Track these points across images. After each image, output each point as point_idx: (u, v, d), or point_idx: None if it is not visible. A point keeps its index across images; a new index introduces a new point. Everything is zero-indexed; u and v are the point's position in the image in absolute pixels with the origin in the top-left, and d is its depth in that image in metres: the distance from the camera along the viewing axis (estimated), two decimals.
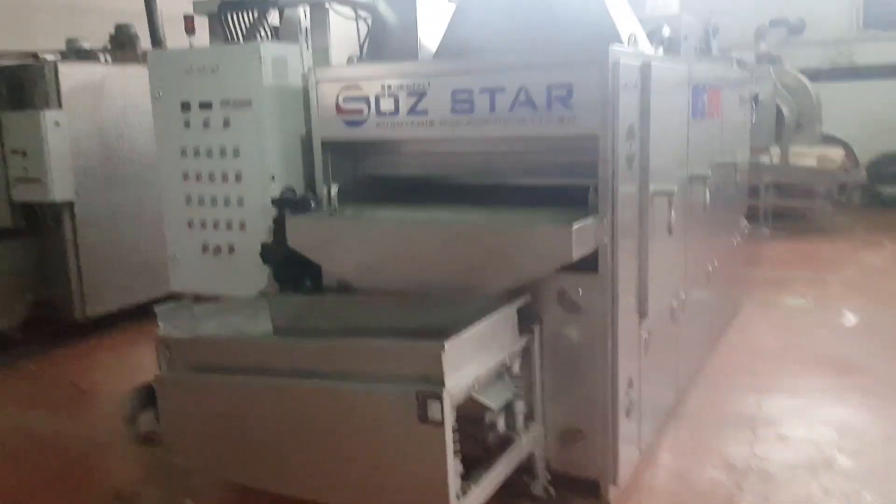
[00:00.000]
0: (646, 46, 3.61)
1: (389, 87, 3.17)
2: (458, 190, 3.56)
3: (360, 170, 3.58)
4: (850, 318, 5.51)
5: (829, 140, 9.64)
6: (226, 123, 3.61)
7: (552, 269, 2.81)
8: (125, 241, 5.79)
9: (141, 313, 6.02)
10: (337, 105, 3.30)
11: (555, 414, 3.12)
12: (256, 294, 3.55)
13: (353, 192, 3.53)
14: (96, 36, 6.28)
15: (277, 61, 3.54)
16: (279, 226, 3.45)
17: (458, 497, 2.49)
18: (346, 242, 3.13)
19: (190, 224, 3.82)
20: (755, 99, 5.44)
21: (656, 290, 3.34)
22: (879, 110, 9.99)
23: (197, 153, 3.72)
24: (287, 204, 3.42)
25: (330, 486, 2.64)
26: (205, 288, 3.85)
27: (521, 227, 2.88)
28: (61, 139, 5.24)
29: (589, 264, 2.90)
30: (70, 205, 5.39)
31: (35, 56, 5.60)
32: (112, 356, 5.41)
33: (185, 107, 3.71)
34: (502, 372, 2.84)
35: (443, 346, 2.40)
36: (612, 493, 3.13)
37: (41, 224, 5.48)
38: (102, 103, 5.56)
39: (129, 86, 5.73)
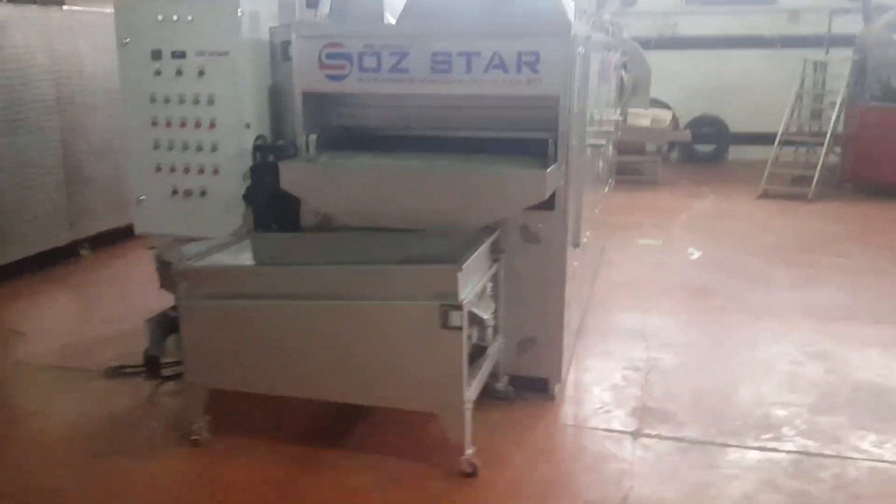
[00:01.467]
0: None
1: (372, 46, 3.59)
2: (417, 140, 4.05)
3: (330, 121, 3.95)
4: (694, 253, 6.63)
5: (655, 103, 10.96)
6: (200, 73, 3.86)
7: (526, 207, 3.42)
8: (28, 188, 5.70)
9: (43, 261, 5.97)
10: (319, 60, 3.66)
11: (512, 327, 3.76)
12: (233, 233, 3.86)
13: (323, 141, 3.90)
14: None
15: (252, 15, 3.83)
16: (260, 170, 3.79)
17: (467, 387, 3.08)
18: (340, 185, 3.55)
19: (158, 168, 4.03)
20: (625, 66, 6.30)
21: (584, 223, 4.07)
22: (696, 77, 11.46)
23: (168, 100, 3.93)
24: (272, 150, 3.76)
25: (359, 388, 3.14)
26: (173, 230, 4.08)
27: (504, 172, 3.46)
28: None
29: (545, 204, 3.53)
30: None
31: None
32: (31, 302, 5.38)
33: (156, 55, 3.89)
34: (483, 293, 3.44)
35: (460, 268, 2.96)
36: (557, 389, 3.85)
37: None
38: (4, 46, 5.38)
39: (29, 29, 5.58)
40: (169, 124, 3.95)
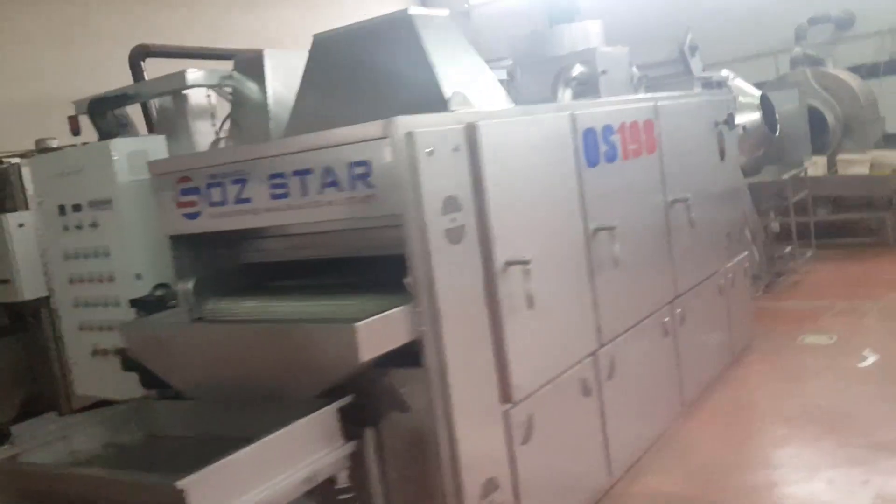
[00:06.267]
0: (495, 98, 3.23)
1: (216, 175, 2.99)
2: (320, 270, 3.32)
3: (224, 259, 3.38)
4: (868, 358, 4.78)
5: (893, 140, 8.71)
6: (93, 224, 3.55)
7: (343, 374, 2.50)
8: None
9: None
10: (175, 198, 3.14)
11: None
12: (133, 400, 3.41)
13: (220, 282, 3.33)
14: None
15: (135, 156, 3.44)
16: None
17: None
18: (168, 347, 2.96)
19: (81, 327, 3.76)
20: (729, 119, 4.88)
21: (531, 367, 2.96)
22: None
23: (76, 256, 3.68)
24: (140, 305, 3.29)
25: None
26: (100, 392, 3.78)
27: (308, 328, 2.61)
28: (26, 239, 5.35)
29: (409, 358, 2.58)
30: (47, 300, 5.48)
31: None
32: None
33: (62, 210, 3.68)
34: (314, 488, 2.54)
35: (181, 490, 2.13)
36: None
37: (26, 321, 5.59)
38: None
39: None
40: (81, 281, 3.69)
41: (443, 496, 2.64)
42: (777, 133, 7.05)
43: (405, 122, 2.52)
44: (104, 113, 3.65)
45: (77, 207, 3.59)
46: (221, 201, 2.99)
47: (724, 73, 7.01)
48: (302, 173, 2.74)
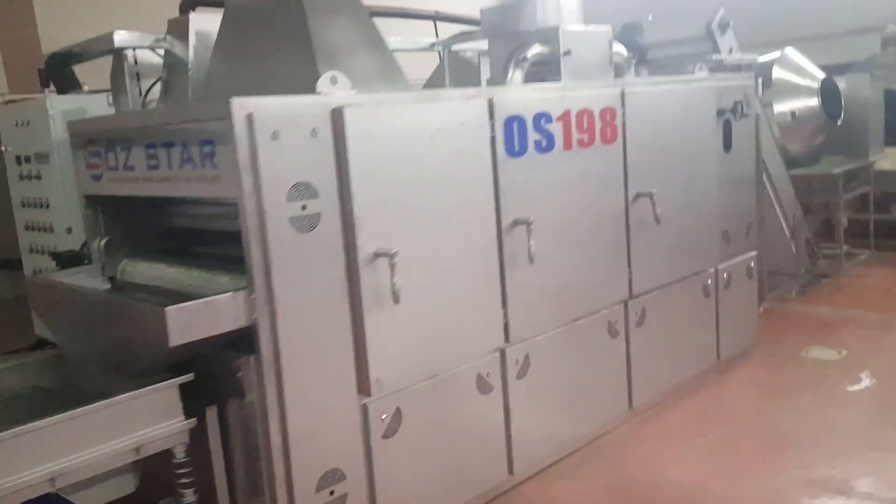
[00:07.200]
0: (393, 82, 3.06)
1: (111, 140, 3.03)
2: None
3: (148, 220, 3.43)
4: (863, 380, 4.34)
5: None
6: (37, 176, 3.70)
7: (161, 355, 2.50)
8: None
9: None
10: (86, 158, 3.21)
11: None
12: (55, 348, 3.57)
13: (139, 243, 3.39)
14: None
15: (71, 113, 3.54)
16: None
17: None
18: (46, 303, 3.06)
19: (35, 272, 3.96)
20: (737, 108, 4.45)
21: (401, 361, 2.87)
22: None
23: (28, 205, 3.86)
24: (57, 258, 3.41)
25: None
26: (50, 335, 3.96)
27: (131, 306, 2.63)
28: None
29: (245, 344, 2.56)
30: None
31: None
32: None
33: (18, 160, 3.85)
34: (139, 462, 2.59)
35: None
36: None
37: None
38: None
39: None
40: (32, 228, 3.87)
41: (272, 482, 2.62)
42: (839, 121, 6.40)
43: (245, 104, 2.44)
44: (60, 69, 3.76)
45: (28, 159, 3.76)
46: (115, 166, 3.05)
47: (788, 51, 6.43)
48: (167, 146, 2.74)
